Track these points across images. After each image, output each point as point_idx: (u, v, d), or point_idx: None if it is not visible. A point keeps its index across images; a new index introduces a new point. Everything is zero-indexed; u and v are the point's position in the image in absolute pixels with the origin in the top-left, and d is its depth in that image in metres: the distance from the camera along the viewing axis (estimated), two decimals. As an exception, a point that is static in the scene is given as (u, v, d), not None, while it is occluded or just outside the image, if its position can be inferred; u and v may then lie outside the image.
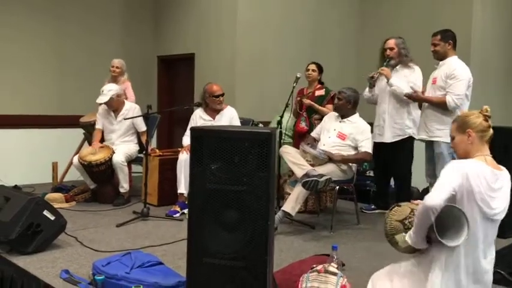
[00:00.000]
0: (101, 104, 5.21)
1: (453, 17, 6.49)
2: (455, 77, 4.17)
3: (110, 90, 5.15)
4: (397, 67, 4.67)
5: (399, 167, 4.78)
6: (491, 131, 2.39)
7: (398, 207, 2.51)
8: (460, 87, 4.14)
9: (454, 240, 2.23)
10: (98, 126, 5.35)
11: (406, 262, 2.44)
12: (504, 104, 7.25)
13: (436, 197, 2.19)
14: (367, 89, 4.96)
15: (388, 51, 4.68)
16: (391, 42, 4.69)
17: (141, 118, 5.18)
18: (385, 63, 4.67)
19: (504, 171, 2.40)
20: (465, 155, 2.42)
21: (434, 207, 2.18)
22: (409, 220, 2.39)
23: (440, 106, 4.23)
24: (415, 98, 4.51)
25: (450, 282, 2.28)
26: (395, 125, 4.68)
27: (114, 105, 5.23)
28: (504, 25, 7.27)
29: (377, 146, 4.74)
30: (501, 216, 2.35)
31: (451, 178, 2.25)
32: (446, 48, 4.29)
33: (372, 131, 4.67)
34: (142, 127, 5.24)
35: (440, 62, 4.34)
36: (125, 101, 5.36)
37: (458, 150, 2.47)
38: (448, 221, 2.26)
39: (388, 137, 4.72)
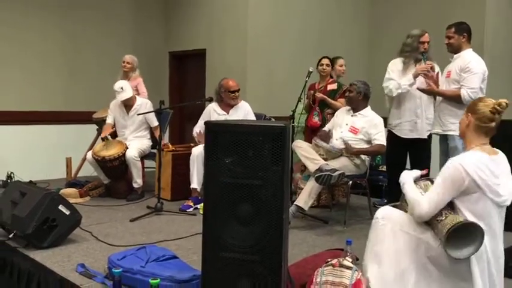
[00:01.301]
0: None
1: (465, 12, 6.42)
2: (469, 70, 4.11)
3: (125, 87, 5.20)
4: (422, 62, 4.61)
5: (422, 162, 4.68)
6: (492, 124, 2.36)
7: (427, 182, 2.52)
8: (475, 81, 4.09)
9: (459, 250, 2.24)
10: (109, 120, 5.39)
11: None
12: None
13: (428, 213, 2.35)
14: (405, 81, 4.56)
15: (426, 45, 4.54)
16: (427, 37, 4.58)
17: (153, 113, 5.20)
18: (424, 57, 4.52)
19: (500, 154, 2.40)
20: (462, 135, 2.49)
21: (421, 219, 2.38)
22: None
23: (455, 99, 4.17)
24: (429, 92, 4.44)
25: (482, 272, 2.28)
26: (427, 120, 4.62)
27: (128, 102, 5.27)
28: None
29: (397, 140, 4.66)
30: (509, 201, 2.35)
31: (446, 189, 2.30)
32: (461, 41, 4.23)
33: (386, 125, 4.63)
34: (154, 122, 5.28)
35: (455, 55, 4.28)
36: (137, 96, 5.39)
37: (459, 127, 2.53)
38: (463, 230, 2.25)
39: (424, 133, 4.64)
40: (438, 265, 2.36)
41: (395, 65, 4.67)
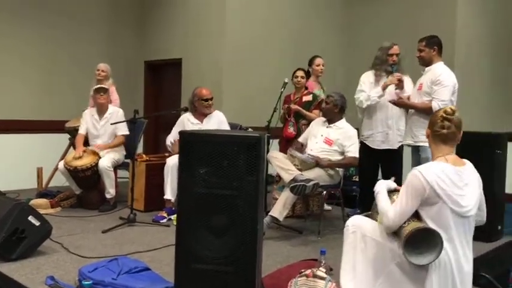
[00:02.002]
0: (96, 90, 5.19)
1: (437, 23, 6.58)
2: (440, 82, 4.19)
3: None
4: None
5: (393, 173, 4.74)
6: (443, 131, 2.43)
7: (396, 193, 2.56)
8: (445, 93, 4.17)
9: (421, 256, 2.27)
10: (81, 131, 5.31)
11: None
12: (488, 109, 7.35)
13: (395, 222, 2.39)
14: (373, 93, 4.69)
15: (394, 57, 4.67)
16: (398, 49, 4.70)
17: (123, 123, 5.15)
18: (394, 69, 4.65)
19: (467, 165, 2.45)
20: (430, 148, 2.54)
21: (388, 229, 2.42)
22: None
23: (426, 112, 4.23)
24: (400, 104, 4.52)
25: (445, 281, 2.31)
26: (398, 131, 4.70)
27: (101, 104, 5.21)
28: (488, 30, 7.39)
29: (369, 151, 4.74)
30: (473, 212, 2.40)
31: (409, 198, 2.35)
32: (431, 54, 4.31)
33: (359, 136, 4.69)
34: (122, 130, 5.21)
35: (426, 68, 4.37)
36: (109, 105, 5.32)
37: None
38: (423, 236, 2.29)
39: (395, 144, 4.72)
40: (404, 271, 2.40)
41: (367, 77, 4.79)
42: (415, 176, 2.33)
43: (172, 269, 2.45)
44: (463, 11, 6.76)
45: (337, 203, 5.07)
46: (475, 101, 6.42)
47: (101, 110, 5.26)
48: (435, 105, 4.14)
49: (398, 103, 4.49)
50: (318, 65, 5.50)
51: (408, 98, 4.52)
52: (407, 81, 4.68)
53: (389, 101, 4.51)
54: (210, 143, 2.29)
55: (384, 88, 4.59)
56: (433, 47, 4.30)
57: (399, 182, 4.77)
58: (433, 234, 2.28)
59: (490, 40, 7.51)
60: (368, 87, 4.72)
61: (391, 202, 2.50)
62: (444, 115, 2.43)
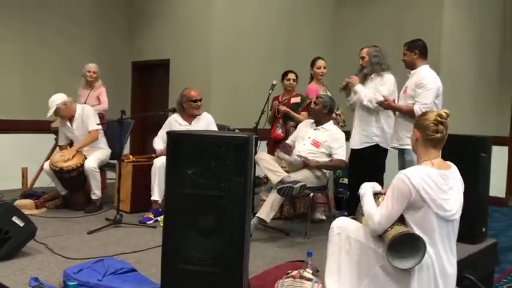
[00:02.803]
0: (49, 119, 5.09)
1: (423, 27, 6.66)
2: (423, 86, 4.23)
3: (53, 101, 5.00)
4: (372, 75, 4.71)
5: (369, 174, 4.78)
6: (437, 135, 2.43)
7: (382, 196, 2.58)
8: (428, 96, 4.20)
9: (404, 260, 2.29)
10: (61, 143, 5.25)
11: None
12: (474, 112, 7.45)
13: (380, 225, 2.39)
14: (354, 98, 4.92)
15: (360, 60, 4.74)
16: (364, 51, 4.74)
17: (92, 117, 5.09)
18: (356, 72, 4.72)
19: (452, 169, 2.47)
20: (414, 151, 2.53)
21: (374, 233, 2.43)
22: None
23: (409, 114, 4.27)
24: (386, 106, 4.54)
25: (427, 284, 2.33)
26: (363, 131, 4.70)
27: (66, 115, 5.11)
28: (473, 34, 7.49)
29: (352, 153, 4.79)
30: (457, 216, 2.42)
31: (395, 201, 2.35)
32: (413, 58, 4.35)
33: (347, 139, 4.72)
34: (92, 126, 5.10)
35: (412, 72, 4.41)
36: (77, 104, 5.23)
37: (411, 143, 2.57)
38: (406, 241, 2.31)
39: (355, 143, 4.74)
40: (388, 274, 2.41)
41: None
42: (401, 180, 2.34)
43: (159, 270, 2.44)
44: (449, 14, 6.85)
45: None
46: (459, 104, 6.50)
47: (70, 118, 5.17)
48: (417, 109, 4.17)
49: (384, 105, 4.51)
50: (319, 68, 5.27)
51: (394, 100, 4.56)
52: (379, 82, 4.68)
53: (377, 102, 4.53)
54: (197, 143, 2.29)
55: (346, 93, 4.82)
56: (414, 50, 4.34)
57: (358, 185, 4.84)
58: (416, 239, 2.30)
59: (476, 43, 7.62)
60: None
61: (377, 204, 2.51)
62: (439, 119, 2.42)
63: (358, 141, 4.71)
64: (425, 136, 2.43)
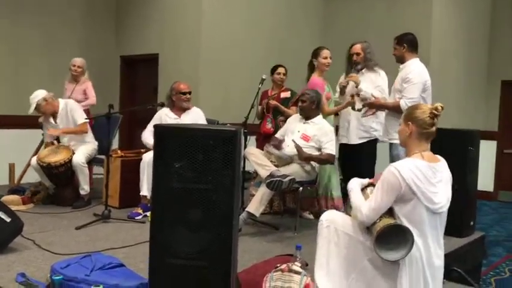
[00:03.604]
0: (35, 115, 5.02)
1: (413, 23, 6.67)
2: (409, 80, 4.21)
3: (33, 98, 4.96)
4: (363, 71, 4.72)
5: (361, 168, 4.82)
6: (432, 129, 2.45)
7: (372, 186, 2.57)
8: (414, 91, 4.17)
9: (392, 252, 2.30)
10: (47, 140, 5.18)
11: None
12: (462, 107, 7.49)
13: (369, 217, 2.39)
14: (337, 95, 4.96)
15: (355, 57, 4.70)
16: (358, 47, 4.72)
17: (79, 111, 5.05)
18: (352, 69, 4.70)
19: (441, 162, 2.48)
20: (404, 145, 2.55)
21: (364, 224, 2.43)
22: None
23: (395, 110, 4.25)
24: (373, 105, 4.53)
25: (416, 277, 2.34)
26: (361, 127, 4.73)
27: (48, 111, 5.05)
28: (462, 30, 7.53)
29: (342, 147, 4.80)
30: (445, 208, 2.43)
31: (385, 193, 2.36)
32: (402, 52, 4.34)
33: (336, 134, 4.72)
34: (80, 119, 5.04)
35: (401, 66, 4.41)
36: (59, 100, 5.17)
37: (399, 138, 2.58)
38: (394, 233, 2.32)
39: (353, 139, 4.77)
40: (376, 267, 2.42)
41: (342, 77, 4.87)
42: (391, 172, 2.35)
43: (147, 266, 2.42)
44: (438, 10, 6.87)
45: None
46: (448, 99, 6.52)
47: (53, 114, 5.11)
48: (402, 104, 4.16)
49: (372, 105, 4.50)
50: (325, 58, 4.76)
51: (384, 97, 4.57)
52: (376, 77, 4.70)
53: (364, 104, 4.52)
54: (185, 136, 2.26)
55: (341, 91, 4.74)
56: (402, 44, 4.34)
57: (365, 177, 4.85)
58: (404, 230, 2.30)
59: (465, 39, 7.65)
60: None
61: (365, 197, 2.51)
62: (435, 112, 2.43)
63: (356, 137, 4.75)
64: (421, 129, 2.43)
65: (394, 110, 4.29)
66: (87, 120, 5.11)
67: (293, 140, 4.31)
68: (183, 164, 2.27)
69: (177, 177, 2.28)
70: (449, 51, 7.20)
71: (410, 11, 6.89)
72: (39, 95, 4.96)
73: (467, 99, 7.85)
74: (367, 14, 7.38)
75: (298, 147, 4.26)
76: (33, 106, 4.93)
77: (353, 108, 4.58)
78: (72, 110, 5.05)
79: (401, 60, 4.38)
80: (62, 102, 5.14)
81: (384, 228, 2.28)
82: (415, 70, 4.24)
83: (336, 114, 4.93)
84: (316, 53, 4.80)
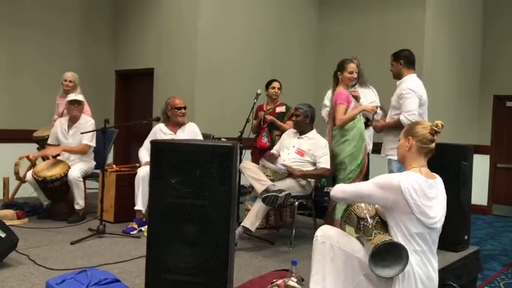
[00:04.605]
0: (71, 102, 5.04)
1: (407, 39, 6.76)
2: (403, 96, 4.25)
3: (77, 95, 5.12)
4: (356, 87, 4.77)
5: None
6: (432, 145, 2.49)
7: (367, 205, 2.59)
8: (411, 103, 4.21)
9: (387, 268, 2.32)
10: (50, 141, 5.21)
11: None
12: (454, 122, 7.55)
13: (342, 197, 2.52)
14: (325, 111, 5.00)
15: (354, 74, 4.72)
16: (353, 67, 4.74)
17: (92, 133, 5.05)
18: (349, 86, 4.71)
19: (438, 179, 2.51)
20: (402, 160, 2.57)
21: (337, 198, 2.59)
22: (363, 223, 2.47)
23: (398, 126, 4.22)
24: (379, 128, 4.55)
25: None
26: None
27: (78, 114, 5.12)
28: (454, 45, 7.62)
29: None
30: (440, 224, 2.45)
31: (372, 187, 2.41)
32: (399, 68, 4.39)
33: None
34: (86, 139, 5.05)
35: (397, 82, 4.46)
36: (83, 114, 5.23)
37: (398, 153, 2.61)
38: (388, 249, 2.34)
39: None
40: (371, 282, 2.43)
41: (330, 92, 4.89)
42: (391, 178, 2.38)
43: (143, 281, 2.42)
44: (430, 25, 6.95)
45: (309, 214, 5.10)
46: (441, 113, 6.58)
47: (73, 121, 5.16)
48: (402, 118, 4.21)
49: (378, 128, 4.53)
50: (350, 72, 4.42)
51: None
52: (369, 93, 4.77)
53: (373, 127, 4.53)
54: (181, 152, 2.29)
55: None
56: (399, 60, 4.38)
57: None
58: (399, 248, 2.32)
59: (457, 53, 7.74)
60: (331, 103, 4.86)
61: (362, 232, 2.54)
62: (436, 129, 2.48)
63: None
64: (420, 144, 2.47)
65: (396, 126, 4.29)
66: (93, 144, 5.12)
67: (283, 164, 4.33)
68: (179, 180, 2.29)
69: (173, 192, 2.29)
70: (441, 67, 7.28)
71: (403, 28, 6.98)
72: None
73: (460, 115, 7.92)
74: (360, 31, 7.47)
75: (288, 168, 4.28)
76: (76, 90, 5.13)
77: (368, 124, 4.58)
78: (87, 128, 5.07)
79: (398, 76, 4.42)
80: (84, 116, 5.20)
81: (379, 245, 2.30)
82: (409, 86, 4.28)
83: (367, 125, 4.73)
84: (342, 67, 4.45)
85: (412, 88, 4.26)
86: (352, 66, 4.42)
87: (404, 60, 4.37)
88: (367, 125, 4.61)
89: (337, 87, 4.47)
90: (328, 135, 4.53)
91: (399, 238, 2.37)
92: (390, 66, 4.46)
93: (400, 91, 4.29)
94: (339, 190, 2.53)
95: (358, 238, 2.54)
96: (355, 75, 4.55)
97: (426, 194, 2.38)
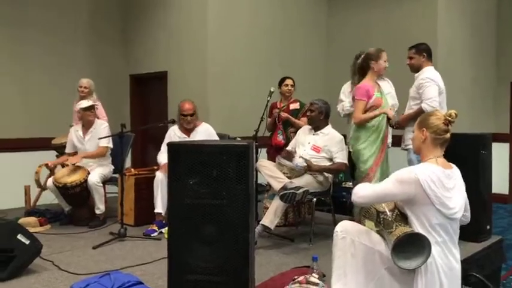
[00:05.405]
0: (87, 109, 5.12)
1: (419, 29, 6.70)
2: (423, 85, 4.26)
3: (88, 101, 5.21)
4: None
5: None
6: (447, 135, 2.47)
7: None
8: (430, 91, 4.21)
9: (409, 260, 2.30)
10: (67, 151, 5.28)
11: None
12: (472, 111, 7.46)
13: (365, 201, 2.44)
14: (347, 103, 4.94)
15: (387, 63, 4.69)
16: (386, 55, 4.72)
17: (104, 134, 5.11)
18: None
19: (455, 169, 2.49)
20: (418, 151, 2.56)
21: (355, 202, 2.47)
22: (383, 217, 2.46)
23: (419, 115, 4.19)
24: (402, 123, 4.45)
25: (432, 283, 2.34)
26: None
27: (93, 119, 5.19)
28: (468, 32, 7.52)
29: (350, 155, 4.81)
30: (459, 214, 2.43)
31: (393, 185, 2.38)
32: (421, 61, 4.39)
33: (346, 143, 4.72)
34: (103, 142, 5.11)
35: (416, 74, 4.44)
36: (96, 119, 5.29)
37: (413, 144, 2.60)
38: (410, 241, 2.32)
39: None
40: (393, 276, 2.42)
41: (346, 87, 4.89)
42: (409, 172, 2.38)
43: (165, 282, 2.44)
44: (443, 14, 6.88)
45: (327, 210, 5.08)
46: (457, 103, 6.51)
47: (87, 126, 5.23)
48: (425, 106, 4.19)
49: (400, 124, 4.46)
50: (385, 61, 4.21)
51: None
52: (385, 85, 4.73)
53: (392, 126, 4.43)
54: (198, 153, 2.30)
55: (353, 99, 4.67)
56: (422, 53, 4.40)
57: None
58: (421, 238, 2.30)
59: (471, 41, 7.64)
60: (347, 97, 4.88)
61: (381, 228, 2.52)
62: (450, 119, 2.46)
63: None
64: (435, 135, 2.46)
65: (417, 116, 4.22)
66: (110, 146, 5.19)
67: (301, 156, 4.32)
68: (197, 180, 2.30)
69: (191, 193, 2.31)
70: (456, 55, 7.19)
71: (416, 18, 6.91)
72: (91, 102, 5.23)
73: (477, 103, 7.82)
74: (370, 26, 7.41)
75: (307, 161, 4.28)
76: (92, 96, 5.24)
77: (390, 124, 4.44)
78: (102, 130, 5.15)
79: (418, 69, 4.41)
80: (99, 121, 5.28)
81: (401, 237, 2.29)
82: (427, 76, 4.29)
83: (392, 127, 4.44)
84: (377, 56, 4.18)
85: (430, 77, 4.27)
86: (386, 55, 4.23)
87: (426, 54, 4.40)
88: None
89: (363, 78, 4.20)
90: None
91: (420, 230, 2.36)
92: (409, 59, 4.43)
93: (419, 82, 4.30)
94: (359, 196, 2.47)
95: (378, 232, 2.53)
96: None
97: (444, 184, 2.36)
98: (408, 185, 2.33)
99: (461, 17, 7.33)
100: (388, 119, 4.21)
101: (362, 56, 4.27)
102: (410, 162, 4.32)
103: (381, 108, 4.10)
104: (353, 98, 4.27)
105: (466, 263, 2.95)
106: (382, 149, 4.13)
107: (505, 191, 8.25)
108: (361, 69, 4.25)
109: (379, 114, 4.11)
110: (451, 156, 2.58)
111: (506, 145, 8.22)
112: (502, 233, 5.46)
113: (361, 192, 2.46)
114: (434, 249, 2.34)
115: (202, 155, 2.28)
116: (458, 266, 2.46)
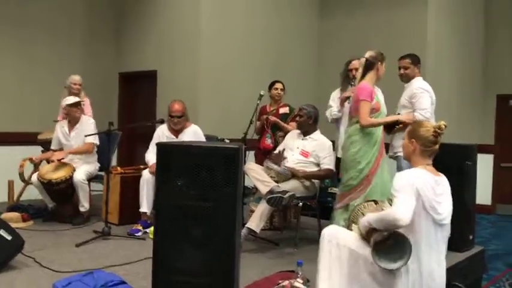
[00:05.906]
0: (74, 105, 5.07)
1: (408, 38, 6.76)
2: (416, 94, 4.30)
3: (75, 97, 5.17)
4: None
5: None
6: (436, 147, 2.51)
7: (375, 204, 2.60)
8: (424, 102, 4.25)
9: (390, 262, 2.31)
10: (53, 147, 5.22)
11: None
12: (458, 121, 7.55)
13: (406, 213, 2.27)
14: (334, 108, 4.95)
15: (353, 72, 4.73)
16: (356, 64, 4.75)
17: (94, 130, 5.07)
18: (352, 84, 4.73)
19: (443, 177, 2.54)
20: (407, 159, 2.58)
21: (403, 221, 2.26)
22: None
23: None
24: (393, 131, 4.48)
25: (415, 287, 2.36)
26: None
27: (79, 116, 5.15)
28: (457, 43, 7.61)
29: (338, 161, 4.82)
30: (447, 220, 2.46)
31: (410, 193, 2.35)
32: (415, 72, 4.44)
33: (334, 149, 4.75)
34: (89, 138, 5.05)
35: (406, 84, 4.48)
36: (82, 115, 5.24)
37: (403, 152, 2.64)
38: (392, 242, 2.34)
39: None
40: (376, 280, 2.43)
41: (335, 93, 4.95)
42: (401, 176, 2.39)
43: (149, 283, 2.43)
44: (433, 29, 6.95)
45: (312, 215, 5.10)
46: (444, 113, 6.58)
47: (73, 123, 5.18)
48: (417, 115, 4.23)
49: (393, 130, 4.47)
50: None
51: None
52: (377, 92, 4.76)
53: (388, 134, 4.43)
54: (187, 154, 2.30)
55: (341, 104, 4.79)
56: (417, 64, 4.45)
57: None
58: (402, 239, 2.32)
59: (459, 52, 7.73)
60: (335, 103, 4.91)
61: (380, 210, 2.54)
62: (439, 131, 2.48)
63: None
64: (424, 147, 2.49)
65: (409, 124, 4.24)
66: (96, 142, 5.14)
67: (285, 167, 4.31)
68: (185, 182, 2.30)
69: (179, 194, 2.30)
70: (444, 66, 7.27)
71: (405, 27, 6.98)
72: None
73: (463, 114, 7.91)
74: (361, 31, 7.46)
75: (291, 170, 4.28)
76: (82, 93, 5.25)
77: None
78: (88, 126, 5.10)
79: (410, 79, 4.44)
80: (84, 117, 5.22)
81: (383, 236, 2.30)
82: (420, 85, 4.34)
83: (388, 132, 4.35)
84: (383, 58, 4.04)
85: (424, 87, 4.33)
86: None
87: (419, 64, 4.46)
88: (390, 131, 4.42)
89: (362, 79, 4.03)
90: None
91: (407, 234, 2.37)
92: (403, 69, 4.44)
93: (411, 91, 4.33)
94: (405, 221, 2.27)
95: (364, 237, 2.55)
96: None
97: (435, 190, 2.40)
98: (411, 185, 2.35)
99: (450, 30, 7.41)
100: (393, 126, 4.18)
101: (371, 54, 4.04)
102: (400, 169, 4.34)
103: (378, 114, 4.00)
104: (357, 98, 3.97)
105: (448, 272, 2.96)
106: (378, 157, 3.96)
107: (488, 201, 8.36)
108: (366, 68, 4.04)
109: (391, 121, 4.05)
110: (436, 166, 2.61)
111: (491, 156, 8.33)
112: (484, 244, 5.52)
113: (366, 222, 2.40)
114: (421, 253, 2.36)
115: (192, 156, 2.28)
116: (442, 274, 2.49)
